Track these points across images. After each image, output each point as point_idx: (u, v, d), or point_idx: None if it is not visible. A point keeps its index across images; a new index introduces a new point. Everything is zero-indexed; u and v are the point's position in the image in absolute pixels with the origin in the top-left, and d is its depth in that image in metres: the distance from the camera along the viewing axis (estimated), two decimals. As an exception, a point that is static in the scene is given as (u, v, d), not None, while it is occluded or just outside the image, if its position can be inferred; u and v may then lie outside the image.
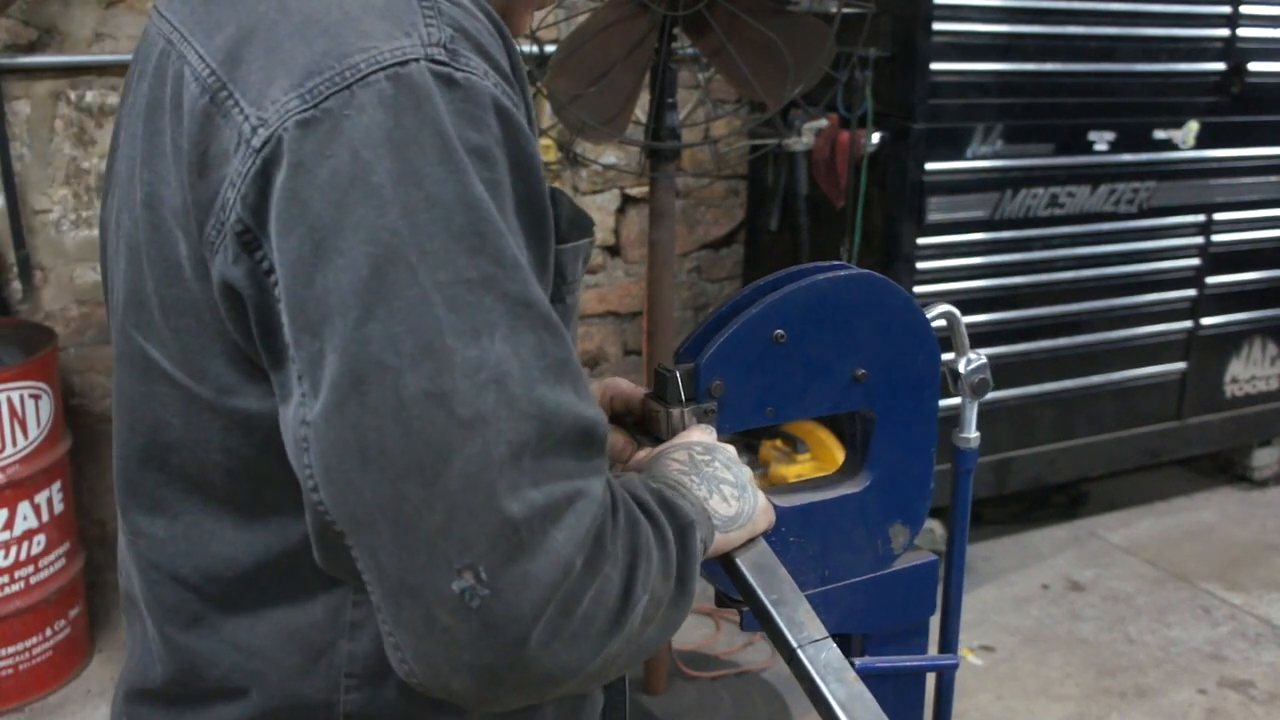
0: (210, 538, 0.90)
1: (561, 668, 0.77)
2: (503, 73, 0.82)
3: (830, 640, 1.01)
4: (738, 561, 1.06)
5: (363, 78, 0.76)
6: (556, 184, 3.36)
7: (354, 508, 0.75)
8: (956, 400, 1.47)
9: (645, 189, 3.22)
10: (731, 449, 1.09)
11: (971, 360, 1.39)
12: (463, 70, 0.78)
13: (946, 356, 1.38)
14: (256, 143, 0.77)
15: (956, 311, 1.37)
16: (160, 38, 0.90)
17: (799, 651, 1.00)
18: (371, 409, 0.73)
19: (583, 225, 0.94)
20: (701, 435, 1.10)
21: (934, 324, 1.28)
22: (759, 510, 1.08)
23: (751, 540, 1.08)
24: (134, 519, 0.95)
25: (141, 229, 0.88)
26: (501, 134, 0.79)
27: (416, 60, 0.77)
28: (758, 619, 1.06)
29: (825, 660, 0.99)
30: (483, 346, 0.75)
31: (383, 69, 0.76)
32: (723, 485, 1.04)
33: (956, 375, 1.40)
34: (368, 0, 0.80)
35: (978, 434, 1.45)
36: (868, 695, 0.97)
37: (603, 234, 3.54)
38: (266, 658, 0.90)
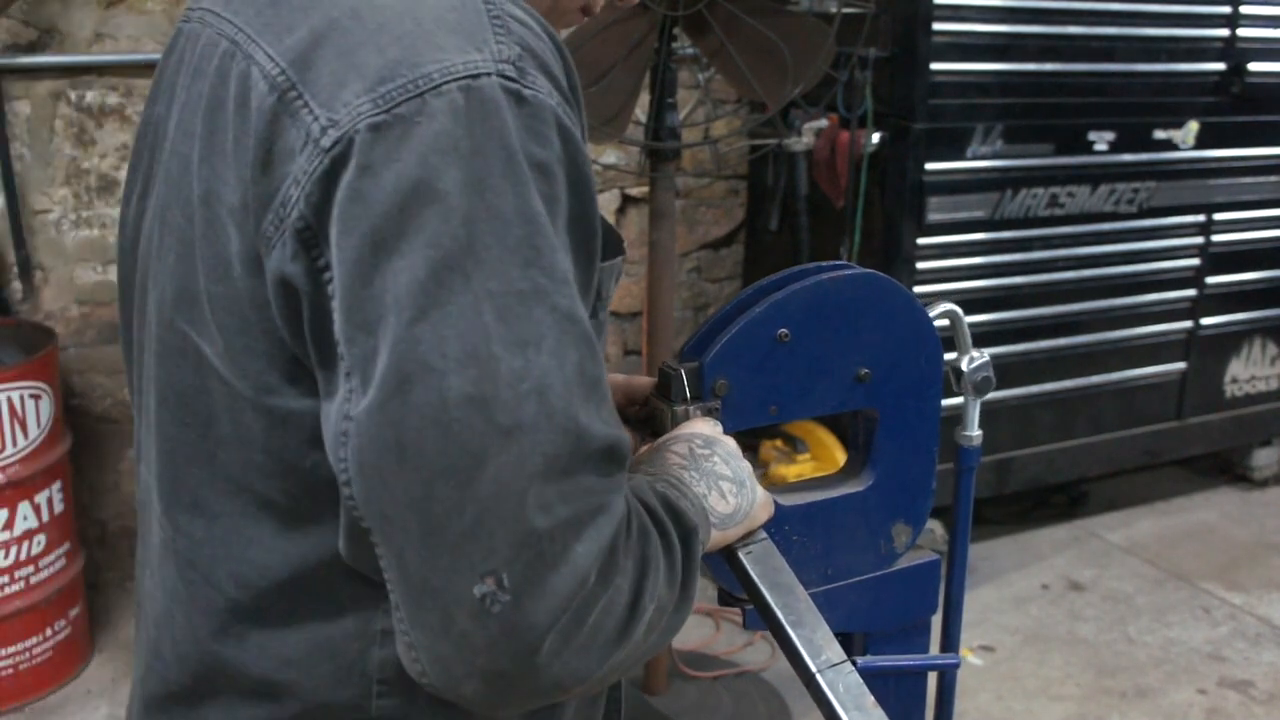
0: (248, 543, 0.90)
1: (569, 675, 0.79)
2: (563, 92, 0.84)
3: (849, 664, 1.02)
4: (754, 578, 1.07)
5: (435, 87, 0.78)
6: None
7: (384, 504, 0.76)
8: (959, 400, 1.47)
9: (645, 189, 3.21)
10: (732, 442, 1.10)
11: (974, 359, 1.40)
12: (530, 88, 0.80)
13: (949, 355, 1.38)
14: (326, 143, 0.79)
15: (959, 310, 1.38)
16: (222, 38, 0.91)
17: (818, 676, 1.01)
18: (414, 408, 0.75)
19: (615, 243, 0.96)
20: (703, 427, 1.11)
21: (936, 323, 1.28)
22: (758, 505, 1.08)
23: (752, 537, 1.09)
24: (175, 516, 0.95)
25: (196, 225, 0.89)
26: (562, 151, 0.82)
27: (488, 74, 0.79)
28: (775, 639, 1.07)
29: (845, 687, 1.00)
30: (528, 357, 0.76)
31: (455, 80, 0.78)
32: (721, 481, 1.05)
33: (959, 374, 1.41)
34: (440, 15, 0.82)
35: (980, 432, 1.46)
36: None
37: (603, 234, 3.54)
38: (299, 668, 0.90)
